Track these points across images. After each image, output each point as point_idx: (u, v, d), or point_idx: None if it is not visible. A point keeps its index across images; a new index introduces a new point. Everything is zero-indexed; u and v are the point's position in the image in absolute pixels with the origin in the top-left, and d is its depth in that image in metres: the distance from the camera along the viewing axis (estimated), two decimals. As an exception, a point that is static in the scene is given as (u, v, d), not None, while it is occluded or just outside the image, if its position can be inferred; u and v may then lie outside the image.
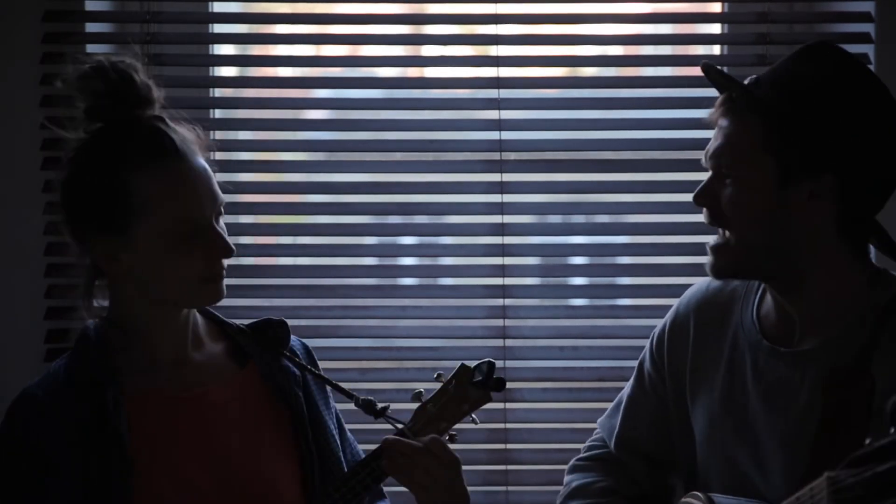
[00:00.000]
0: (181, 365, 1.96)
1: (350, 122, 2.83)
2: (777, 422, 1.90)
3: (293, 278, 2.81)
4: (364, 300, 2.80)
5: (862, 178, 1.87)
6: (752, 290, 2.01)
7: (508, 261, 2.78)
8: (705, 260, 1.94)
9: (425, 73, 2.87)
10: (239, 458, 1.93)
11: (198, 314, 2.01)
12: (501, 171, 2.78)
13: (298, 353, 2.08)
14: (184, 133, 1.92)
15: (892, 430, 1.42)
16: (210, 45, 2.86)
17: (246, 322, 2.08)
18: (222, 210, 1.93)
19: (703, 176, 1.94)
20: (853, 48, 2.70)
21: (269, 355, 2.03)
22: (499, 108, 2.78)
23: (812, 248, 1.89)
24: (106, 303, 1.97)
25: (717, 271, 1.93)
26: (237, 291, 2.74)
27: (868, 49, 2.70)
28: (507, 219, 2.78)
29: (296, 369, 2.05)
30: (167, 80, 2.73)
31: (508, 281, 2.78)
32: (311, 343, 2.71)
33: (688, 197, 1.94)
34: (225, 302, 2.69)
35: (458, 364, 2.01)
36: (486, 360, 1.98)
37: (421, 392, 1.99)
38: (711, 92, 1.97)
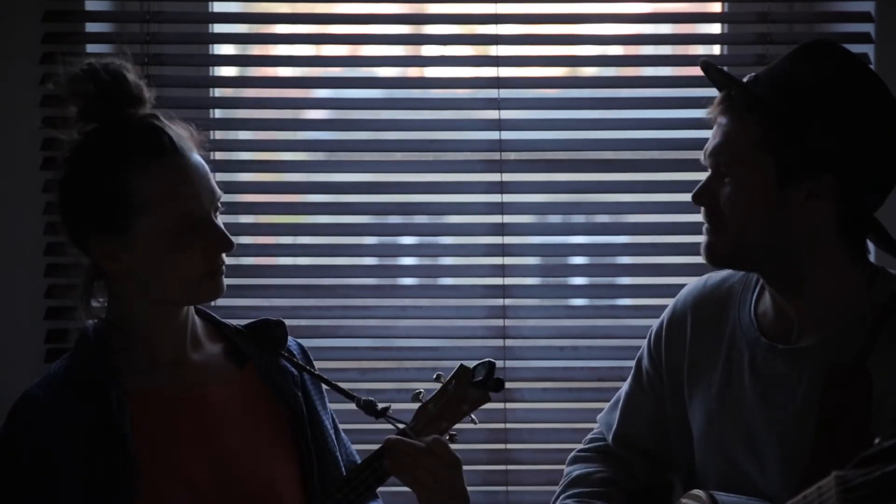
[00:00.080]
0: (180, 365, 1.96)
1: (350, 122, 2.83)
2: (774, 419, 1.90)
3: (293, 278, 2.81)
4: (364, 300, 2.81)
5: (862, 177, 1.87)
6: (749, 288, 2.01)
7: (508, 261, 2.78)
8: (701, 239, 1.93)
9: (425, 73, 2.87)
10: (239, 458, 1.93)
11: (195, 315, 2.01)
12: (501, 171, 2.78)
13: (295, 353, 2.08)
14: (179, 130, 1.92)
15: None
16: (210, 45, 2.86)
17: (243, 323, 2.08)
18: (220, 206, 1.93)
19: (703, 176, 1.94)
20: (853, 48, 2.67)
21: (267, 356, 2.03)
22: (499, 108, 2.78)
23: (811, 247, 1.89)
24: (105, 303, 1.97)
25: (712, 255, 1.92)
26: (237, 291, 2.74)
27: (868, 49, 2.70)
28: (507, 219, 2.78)
29: (294, 369, 2.04)
30: (167, 80, 2.77)
31: (508, 281, 2.78)
32: (311, 343, 2.72)
33: (688, 197, 1.94)
34: (224, 302, 2.71)
35: (457, 364, 2.01)
36: (487, 360, 1.98)
37: (421, 392, 1.99)
38: (711, 92, 1.97)
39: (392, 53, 2.85)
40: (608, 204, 2.84)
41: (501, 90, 2.78)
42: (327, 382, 2.06)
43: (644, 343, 2.13)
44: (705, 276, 2.08)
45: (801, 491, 1.60)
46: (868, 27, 2.71)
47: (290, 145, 2.87)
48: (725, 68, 2.73)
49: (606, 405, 2.19)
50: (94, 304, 1.96)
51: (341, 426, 2.14)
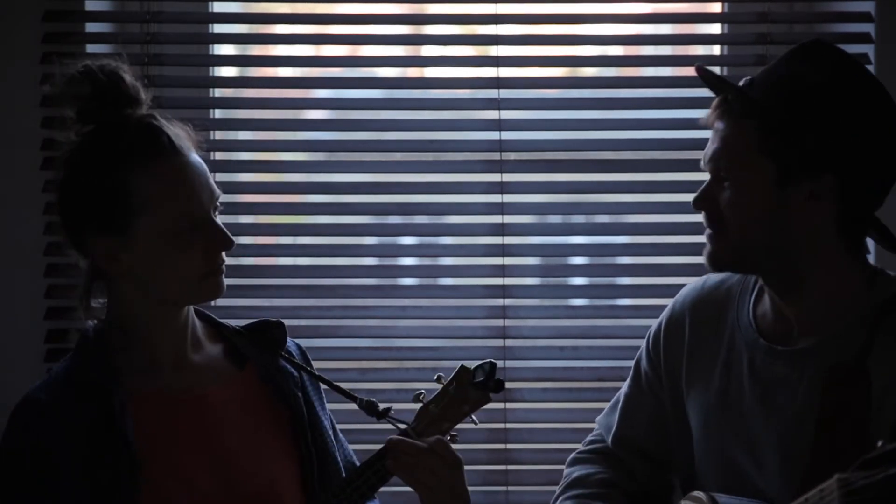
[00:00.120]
0: (181, 366, 1.96)
1: (350, 122, 2.83)
2: (774, 420, 1.90)
3: (293, 278, 2.81)
4: (364, 300, 2.80)
5: (861, 176, 1.87)
6: (747, 289, 2.01)
7: (508, 261, 2.78)
8: (702, 241, 1.94)
9: (425, 73, 2.87)
10: (239, 458, 1.94)
11: (195, 317, 2.01)
12: (501, 171, 2.78)
13: (294, 355, 2.09)
14: (176, 130, 1.93)
15: None
16: (210, 45, 2.86)
17: (242, 323, 2.08)
18: (219, 206, 1.93)
19: (704, 176, 1.94)
20: (853, 48, 2.70)
21: (266, 356, 2.03)
22: (499, 108, 2.77)
23: (812, 248, 1.89)
24: (105, 304, 1.97)
25: (715, 260, 1.93)
26: (237, 291, 2.74)
27: (868, 49, 2.70)
28: (507, 219, 2.78)
29: (294, 370, 2.05)
30: (167, 80, 2.77)
31: (508, 281, 2.78)
32: (311, 343, 2.73)
33: (688, 197, 1.94)
34: (224, 302, 2.71)
35: (457, 364, 2.02)
36: (488, 360, 1.99)
37: (422, 393, 2.00)
38: (711, 92, 1.97)
39: (392, 53, 2.85)
40: (608, 204, 2.84)
41: (501, 90, 2.78)
42: (328, 383, 2.06)
43: (642, 345, 2.13)
44: (703, 278, 2.08)
45: (803, 492, 1.60)
46: (868, 27, 2.71)
47: (290, 145, 2.87)
48: (725, 69, 2.77)
49: (606, 407, 2.19)
50: (94, 305, 1.96)
51: (341, 426, 2.14)
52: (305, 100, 2.91)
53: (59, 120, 1.94)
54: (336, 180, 2.83)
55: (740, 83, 1.91)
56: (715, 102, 1.92)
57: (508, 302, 2.78)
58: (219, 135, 2.87)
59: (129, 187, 1.87)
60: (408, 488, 1.98)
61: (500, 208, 2.78)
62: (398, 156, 2.82)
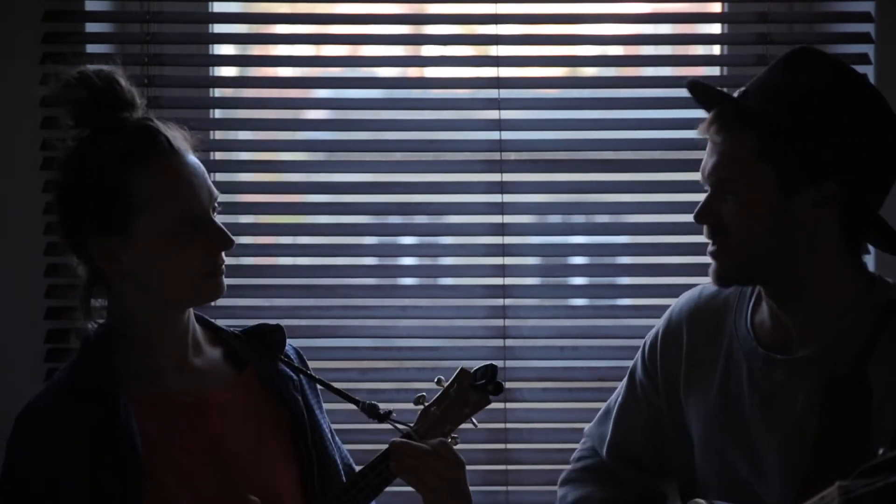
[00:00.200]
0: (182, 369, 1.96)
1: (350, 122, 2.83)
2: (774, 428, 1.90)
3: (293, 278, 2.81)
4: (364, 300, 2.80)
5: (863, 180, 1.87)
6: (745, 298, 2.00)
7: (508, 261, 2.78)
8: (708, 266, 1.93)
9: (425, 73, 2.87)
10: (241, 461, 1.94)
11: (195, 321, 2.01)
12: (501, 171, 2.78)
13: (293, 359, 2.09)
14: (174, 132, 1.93)
15: None
16: (210, 45, 2.86)
17: (240, 327, 2.08)
18: (217, 206, 1.94)
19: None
20: (853, 48, 2.70)
21: (266, 360, 2.03)
22: (499, 108, 2.77)
23: (815, 255, 1.88)
24: (105, 309, 1.97)
25: (722, 277, 1.92)
26: (237, 291, 2.74)
27: (868, 49, 2.70)
28: (507, 219, 2.78)
29: (293, 373, 2.05)
30: (167, 80, 2.77)
31: (508, 281, 2.78)
32: (311, 343, 2.73)
33: (688, 197, 1.94)
34: (224, 302, 2.71)
35: (457, 365, 2.02)
36: (489, 363, 2.00)
37: (423, 395, 2.00)
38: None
39: (392, 53, 2.85)
40: (608, 204, 2.84)
41: (501, 90, 2.78)
42: (328, 387, 2.06)
43: (637, 355, 2.12)
44: (699, 287, 2.08)
45: (803, 499, 1.59)
46: (868, 27, 2.71)
47: (290, 145, 2.87)
48: (724, 69, 2.77)
49: (594, 419, 2.19)
50: (95, 309, 1.96)
51: (341, 426, 2.14)
52: (305, 100, 2.91)
53: (57, 123, 1.95)
54: (336, 180, 2.83)
55: (735, 94, 1.90)
56: (711, 116, 1.91)
57: (508, 302, 2.78)
58: (219, 135, 2.87)
59: (128, 187, 1.87)
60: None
61: (500, 208, 2.78)
62: (398, 156, 2.82)
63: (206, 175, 1.94)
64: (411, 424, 1.98)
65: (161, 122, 1.94)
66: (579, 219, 2.86)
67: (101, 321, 1.97)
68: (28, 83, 2.66)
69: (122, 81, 1.93)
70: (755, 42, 2.75)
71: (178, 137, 1.93)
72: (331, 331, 2.79)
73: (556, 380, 2.78)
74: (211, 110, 2.86)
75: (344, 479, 2.03)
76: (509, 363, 2.75)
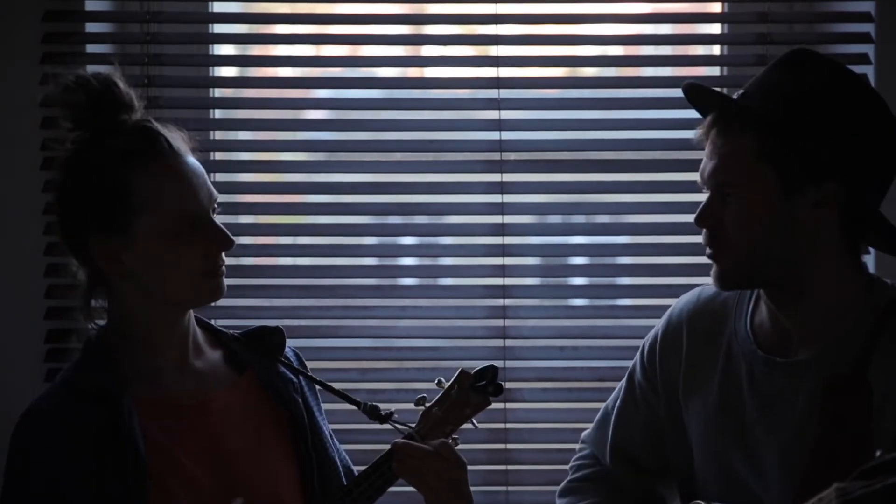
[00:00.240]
0: (183, 371, 1.96)
1: (350, 122, 2.83)
2: (775, 431, 1.90)
3: (293, 278, 2.80)
4: (364, 300, 2.80)
5: (863, 181, 1.87)
6: (744, 300, 2.00)
7: (508, 261, 2.78)
8: (709, 266, 1.93)
9: (425, 73, 2.87)
10: (242, 462, 1.94)
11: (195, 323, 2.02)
12: (501, 171, 2.78)
13: (292, 361, 2.09)
14: (173, 133, 1.94)
15: None
16: (210, 45, 2.86)
17: (240, 329, 2.09)
18: (216, 207, 1.94)
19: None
20: (853, 48, 2.70)
21: (265, 362, 2.04)
22: (499, 108, 2.77)
23: (816, 257, 1.88)
24: (105, 311, 1.97)
25: (723, 279, 1.92)
26: (237, 291, 2.74)
27: (868, 49, 2.70)
28: (507, 219, 2.78)
29: (292, 375, 2.05)
30: (167, 80, 2.77)
31: (508, 281, 2.77)
32: (311, 343, 2.73)
33: (688, 197, 1.94)
34: (224, 302, 2.69)
35: (457, 364, 2.04)
36: (490, 364, 2.01)
37: (424, 397, 2.01)
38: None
39: (392, 53, 2.85)
40: (608, 204, 2.84)
41: (501, 90, 2.78)
42: (329, 388, 2.07)
43: (636, 357, 2.12)
44: (698, 289, 2.08)
45: (802, 501, 1.59)
46: (868, 27, 2.71)
47: (290, 145, 2.87)
48: (724, 69, 2.77)
49: (592, 425, 2.19)
50: (95, 311, 1.97)
51: (341, 427, 2.15)
52: (305, 100, 2.91)
53: (57, 123, 1.96)
54: (336, 180, 2.82)
55: (734, 96, 1.90)
56: (710, 119, 1.90)
57: (508, 302, 2.78)
58: (219, 135, 2.87)
59: (128, 187, 1.87)
60: (407, 488, 1.99)
61: (500, 208, 2.78)
62: (398, 156, 2.82)
63: (206, 176, 1.94)
64: (412, 425, 1.99)
65: (160, 123, 1.95)
66: (579, 219, 2.86)
67: (101, 322, 1.97)
68: (28, 83, 2.65)
69: (121, 84, 1.94)
70: (755, 42, 2.75)
71: (178, 138, 1.94)
72: (331, 331, 2.79)
73: (556, 380, 2.78)
74: (211, 110, 2.86)
75: (343, 480, 2.04)
76: (509, 363, 2.75)
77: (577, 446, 2.22)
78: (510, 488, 2.76)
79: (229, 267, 1.97)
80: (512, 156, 2.79)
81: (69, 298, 2.61)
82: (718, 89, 2.02)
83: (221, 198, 1.97)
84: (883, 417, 1.80)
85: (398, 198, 2.80)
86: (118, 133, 1.91)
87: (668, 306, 2.11)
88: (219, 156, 2.84)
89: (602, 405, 2.20)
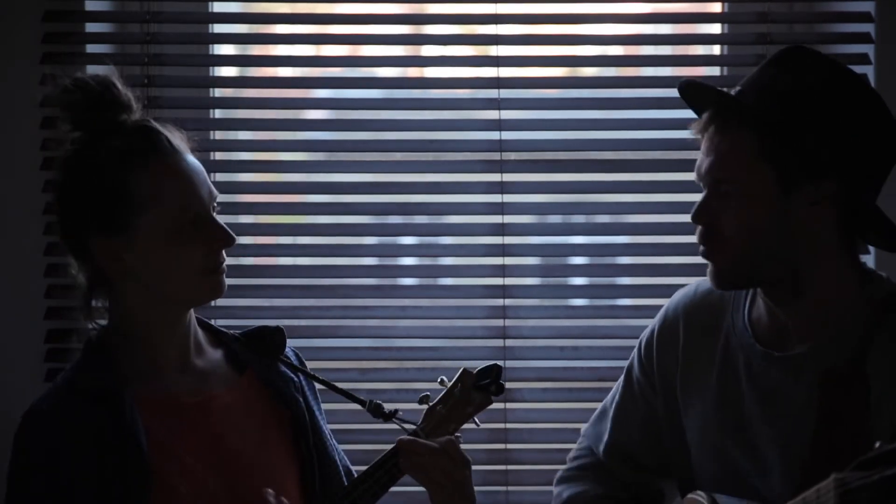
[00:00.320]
0: (185, 371, 1.97)
1: (350, 122, 2.83)
2: (774, 424, 1.90)
3: (293, 278, 2.80)
4: (364, 300, 2.80)
5: (861, 178, 1.87)
6: (741, 294, 1.99)
7: (508, 261, 2.78)
8: (706, 271, 1.93)
9: (425, 73, 2.87)
10: (244, 460, 1.95)
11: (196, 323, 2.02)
12: (501, 171, 2.78)
13: (293, 361, 2.09)
14: (172, 132, 1.94)
15: None
16: (210, 45, 2.86)
17: (240, 330, 2.09)
18: (216, 206, 1.95)
19: (703, 177, 1.93)
20: (853, 48, 2.70)
21: (266, 362, 2.04)
22: (499, 108, 2.77)
23: (813, 253, 1.88)
24: (106, 311, 1.97)
25: (720, 279, 1.92)
26: (237, 291, 2.74)
27: (868, 49, 2.70)
28: (507, 219, 2.78)
29: (293, 375, 2.05)
30: (167, 80, 2.77)
31: (508, 281, 2.78)
32: (311, 343, 2.73)
33: (688, 197, 1.94)
34: (224, 302, 2.71)
35: (457, 364, 2.05)
36: (494, 363, 2.03)
37: (427, 395, 2.03)
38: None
39: (392, 53, 2.85)
40: (608, 204, 2.84)
41: (501, 90, 2.78)
42: (331, 387, 2.07)
43: (633, 353, 2.12)
44: (694, 284, 2.08)
45: (801, 493, 1.60)
46: (868, 27, 2.71)
47: (290, 145, 2.87)
48: (724, 69, 2.77)
49: (590, 419, 2.19)
50: (96, 311, 1.97)
51: (341, 427, 2.15)
52: (305, 100, 2.91)
53: (57, 123, 1.96)
54: (336, 180, 2.82)
55: (732, 92, 1.90)
56: (706, 116, 1.90)
57: (508, 302, 2.78)
58: (219, 135, 2.87)
59: (128, 186, 1.88)
60: (408, 488, 1.99)
61: (500, 208, 2.78)
62: (398, 156, 2.82)
63: (206, 174, 1.95)
64: (417, 423, 2.00)
65: (159, 122, 1.95)
66: (579, 219, 2.86)
67: (102, 322, 1.97)
68: (28, 83, 2.66)
69: (119, 84, 1.94)
70: (755, 42, 2.75)
71: (177, 137, 1.94)
72: (331, 331, 2.79)
73: (556, 380, 2.78)
74: (211, 110, 2.86)
75: (344, 480, 2.04)
76: (509, 363, 2.75)
77: (577, 442, 2.23)
78: (510, 488, 2.76)
79: (229, 267, 1.97)
80: (512, 156, 2.79)
81: (69, 298, 2.62)
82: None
83: (221, 198, 1.97)
84: (881, 411, 1.80)
85: (398, 198, 2.80)
86: (117, 133, 1.91)
87: (668, 306, 2.12)
88: (219, 156, 2.84)
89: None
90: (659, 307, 2.14)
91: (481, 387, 2.01)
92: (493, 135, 2.78)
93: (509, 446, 2.77)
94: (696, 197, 1.94)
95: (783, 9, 2.78)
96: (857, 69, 1.93)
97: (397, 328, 2.80)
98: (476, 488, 2.02)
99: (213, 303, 2.71)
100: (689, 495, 1.95)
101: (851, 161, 1.85)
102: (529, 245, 2.81)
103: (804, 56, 1.90)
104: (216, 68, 2.88)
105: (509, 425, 2.77)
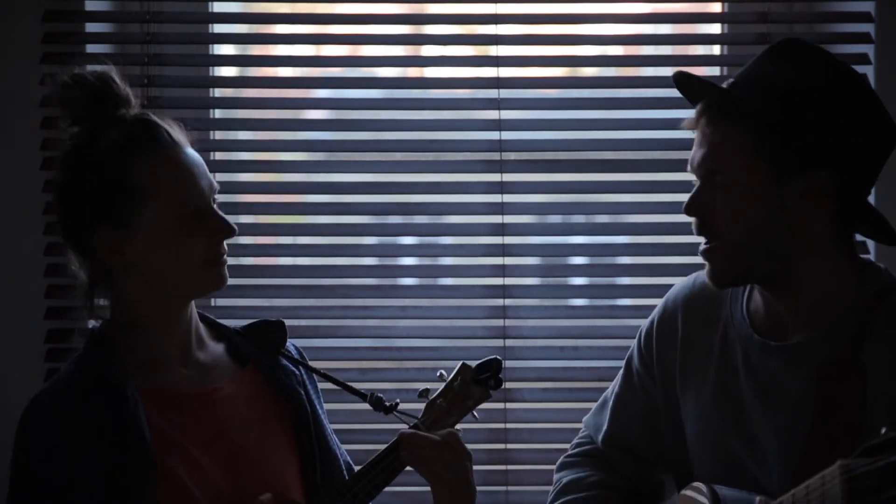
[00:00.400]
0: (186, 364, 1.98)
1: (350, 122, 2.83)
2: (772, 414, 1.90)
3: (293, 278, 2.81)
4: (364, 300, 2.80)
5: (853, 168, 1.87)
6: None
7: (508, 261, 2.78)
8: (704, 270, 1.93)
9: (425, 73, 2.87)
10: (247, 452, 1.95)
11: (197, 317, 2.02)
12: (501, 171, 2.78)
13: (294, 355, 2.10)
14: (171, 125, 1.96)
15: None
16: (210, 45, 2.86)
17: (241, 325, 2.09)
18: (216, 199, 1.96)
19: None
20: (853, 48, 2.70)
21: (267, 355, 2.05)
22: (499, 108, 2.78)
23: (807, 246, 1.88)
24: (108, 306, 1.98)
25: (717, 278, 1.92)
26: (237, 291, 2.75)
27: (868, 49, 2.70)
28: (507, 219, 2.78)
29: (294, 368, 2.06)
30: (167, 80, 2.77)
31: (508, 281, 2.78)
32: (311, 343, 2.73)
33: (688, 197, 1.93)
34: (224, 302, 2.71)
35: (457, 365, 2.05)
36: (494, 356, 2.04)
37: (428, 389, 2.04)
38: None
39: (392, 53, 2.85)
40: (608, 204, 2.84)
41: (501, 90, 2.78)
42: (333, 380, 2.08)
43: (633, 344, 2.13)
44: (693, 276, 2.08)
45: (801, 482, 1.60)
46: (868, 27, 2.71)
47: (290, 145, 2.87)
48: (724, 69, 2.77)
49: (592, 410, 2.19)
50: (98, 306, 1.97)
51: (342, 426, 2.15)
52: (305, 100, 2.91)
53: (57, 123, 1.97)
54: (336, 180, 2.83)
55: (724, 85, 1.91)
56: (699, 108, 1.91)
57: (508, 302, 2.78)
58: (219, 135, 2.88)
59: (129, 179, 1.89)
60: (408, 488, 1.99)
61: (500, 208, 2.78)
62: (398, 156, 2.82)
63: (206, 166, 1.96)
64: (418, 416, 2.01)
65: (158, 116, 1.96)
66: (579, 219, 2.86)
67: (104, 319, 1.98)
68: (28, 83, 2.66)
69: (118, 79, 1.95)
70: (755, 42, 2.74)
71: (177, 130, 1.96)
72: (331, 331, 2.79)
73: (556, 380, 2.78)
74: (211, 110, 2.86)
75: (345, 474, 2.04)
76: (509, 363, 2.75)
77: (579, 432, 2.23)
78: (510, 488, 2.76)
79: (229, 267, 1.97)
80: (512, 156, 2.79)
81: (69, 298, 2.62)
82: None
83: (221, 198, 1.97)
84: (877, 399, 1.80)
85: (398, 198, 2.80)
86: (117, 127, 1.92)
87: (668, 307, 2.12)
88: (219, 156, 2.84)
89: (602, 405, 2.20)
90: (659, 307, 2.14)
91: (480, 380, 2.02)
92: (493, 135, 2.78)
93: (509, 446, 2.77)
94: (697, 197, 1.95)
95: (783, 9, 2.78)
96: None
97: (397, 328, 2.80)
98: (476, 488, 2.02)
99: (212, 303, 2.73)
100: (685, 491, 1.95)
101: (843, 153, 1.85)
102: (529, 245, 2.81)
103: (798, 49, 1.90)
104: (216, 68, 2.88)
105: (509, 425, 2.77)
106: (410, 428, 2.00)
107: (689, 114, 1.96)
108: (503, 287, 2.77)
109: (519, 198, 2.80)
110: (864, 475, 1.41)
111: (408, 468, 1.98)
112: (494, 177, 2.78)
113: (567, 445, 2.22)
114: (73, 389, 1.89)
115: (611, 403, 2.14)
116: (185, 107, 2.75)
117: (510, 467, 2.77)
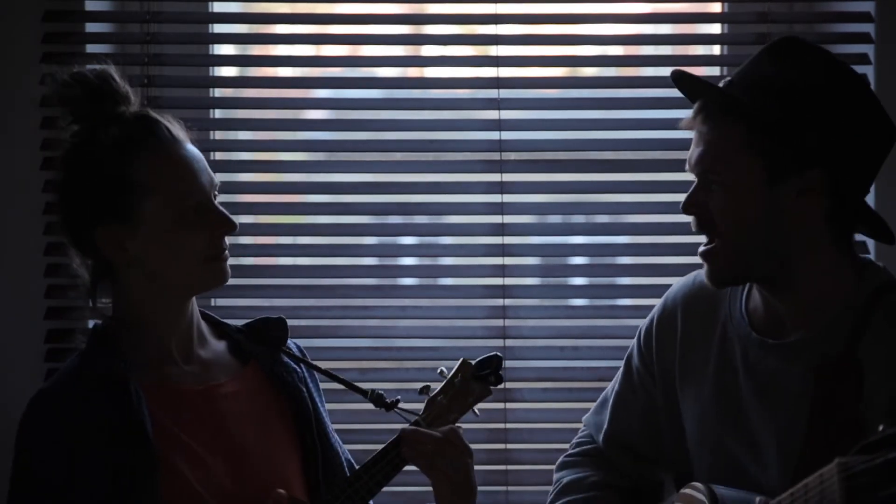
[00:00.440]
0: (188, 360, 1.98)
1: (350, 122, 2.83)
2: (770, 413, 1.91)
3: (293, 278, 2.81)
4: (364, 300, 2.81)
5: (849, 167, 1.87)
6: None
7: (508, 261, 2.78)
8: (703, 270, 1.94)
9: (425, 73, 2.87)
10: (249, 448, 1.96)
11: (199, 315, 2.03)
12: (501, 171, 2.78)
13: (294, 351, 2.11)
14: (171, 121, 1.96)
15: None
16: (210, 45, 2.86)
17: (241, 323, 2.10)
18: (217, 194, 1.96)
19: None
20: (853, 48, 2.70)
21: (269, 352, 2.06)
22: (499, 108, 2.78)
23: (804, 244, 1.88)
24: (110, 304, 1.98)
25: (716, 278, 1.92)
26: (237, 291, 2.75)
27: (868, 49, 2.70)
28: (507, 219, 2.78)
29: (296, 366, 2.06)
30: (167, 80, 2.77)
31: (508, 281, 2.78)
32: (311, 343, 2.73)
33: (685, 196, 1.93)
34: (224, 302, 2.71)
35: (458, 362, 2.06)
36: (494, 353, 2.04)
37: (428, 386, 2.05)
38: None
39: (392, 53, 2.85)
40: (608, 204, 2.84)
41: (501, 90, 2.78)
42: (334, 377, 2.08)
43: (633, 342, 2.13)
44: (693, 274, 2.08)
45: (799, 481, 1.60)
46: (868, 27, 2.71)
47: (290, 145, 2.87)
48: (724, 69, 2.77)
49: (592, 408, 2.19)
50: (100, 304, 1.98)
51: (343, 426, 2.16)
52: (305, 100, 2.91)
53: (57, 123, 1.98)
54: (336, 180, 2.83)
55: (720, 84, 1.91)
56: (696, 107, 1.91)
57: (508, 302, 2.78)
58: (219, 135, 2.88)
59: (130, 174, 1.90)
60: (408, 488, 1.99)
61: (500, 208, 2.78)
62: (398, 156, 2.82)
63: (206, 162, 1.97)
64: (419, 413, 2.02)
65: (158, 113, 1.97)
66: (579, 219, 2.86)
67: (106, 317, 1.99)
68: (28, 83, 2.66)
69: (117, 77, 1.96)
70: (755, 42, 2.74)
71: (177, 127, 1.97)
72: (331, 331, 2.79)
73: (556, 380, 2.78)
74: (211, 110, 2.86)
75: (346, 471, 2.05)
76: (509, 363, 2.74)
77: (579, 431, 2.23)
78: (510, 488, 2.77)
79: (229, 266, 1.98)
80: (512, 156, 2.79)
81: (69, 298, 2.62)
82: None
83: (221, 198, 1.97)
84: (875, 398, 1.80)
85: (398, 198, 2.80)
86: (117, 124, 1.93)
87: (668, 307, 2.12)
88: (219, 156, 2.84)
89: (602, 404, 2.21)
90: (659, 307, 2.14)
91: (481, 377, 2.03)
92: (493, 135, 2.78)
93: (509, 446, 2.77)
94: (695, 197, 1.95)
95: (783, 9, 2.78)
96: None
97: (397, 328, 2.80)
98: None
99: (212, 303, 2.73)
100: (685, 490, 1.95)
101: (840, 152, 1.85)
102: (529, 245, 2.81)
103: (795, 48, 1.90)
104: (216, 68, 2.88)
105: (509, 425, 2.77)
106: (411, 425, 2.00)
107: (688, 113, 1.96)
108: (503, 287, 2.77)
109: (519, 198, 2.80)
110: (862, 473, 1.41)
111: (409, 466, 1.99)
112: (494, 177, 2.78)
113: (567, 445, 2.22)
114: (75, 386, 1.90)
115: (611, 402, 2.14)
116: (185, 107, 2.75)
117: (510, 467, 2.77)
